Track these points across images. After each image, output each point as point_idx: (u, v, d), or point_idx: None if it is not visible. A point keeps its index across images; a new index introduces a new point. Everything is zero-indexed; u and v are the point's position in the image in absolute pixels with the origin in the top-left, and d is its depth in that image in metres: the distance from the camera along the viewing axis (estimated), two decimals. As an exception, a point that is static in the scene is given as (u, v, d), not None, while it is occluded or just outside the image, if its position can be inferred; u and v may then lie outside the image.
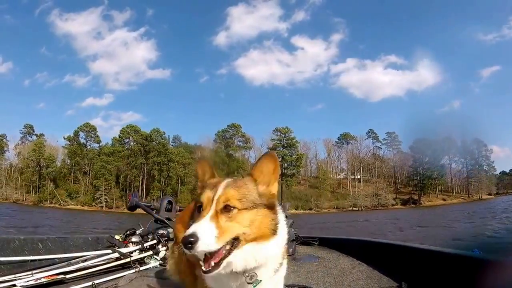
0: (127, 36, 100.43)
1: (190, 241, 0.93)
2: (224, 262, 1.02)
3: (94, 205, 66.14)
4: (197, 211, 1.06)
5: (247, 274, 1.06)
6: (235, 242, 1.02)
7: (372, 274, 1.94)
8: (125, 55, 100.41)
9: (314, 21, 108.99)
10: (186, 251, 0.96)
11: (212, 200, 1.03)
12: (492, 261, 1.23)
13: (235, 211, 1.02)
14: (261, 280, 1.07)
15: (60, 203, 66.24)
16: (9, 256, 1.91)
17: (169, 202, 3.10)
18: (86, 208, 64.65)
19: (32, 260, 1.98)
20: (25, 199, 69.11)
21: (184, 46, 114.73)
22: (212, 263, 1.00)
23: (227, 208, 1.02)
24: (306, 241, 3.25)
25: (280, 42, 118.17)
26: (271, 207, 1.09)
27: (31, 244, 2.18)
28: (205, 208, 1.03)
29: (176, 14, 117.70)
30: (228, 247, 1.01)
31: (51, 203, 67.05)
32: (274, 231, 1.06)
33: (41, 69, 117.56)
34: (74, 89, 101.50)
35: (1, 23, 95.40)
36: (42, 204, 65.94)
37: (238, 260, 1.03)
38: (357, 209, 66.69)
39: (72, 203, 66.71)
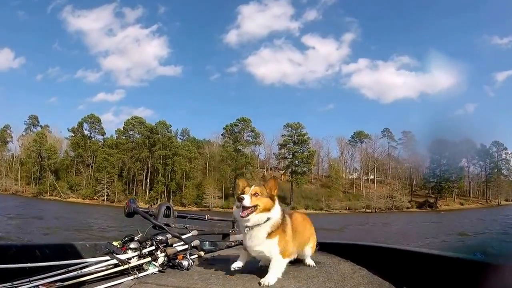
0: (139, 33, 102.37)
1: (241, 197, 2.06)
2: (249, 217, 2.08)
3: (96, 199, 64.93)
4: (239, 196, 2.11)
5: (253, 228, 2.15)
6: (254, 208, 2.08)
7: (373, 279, 2.02)
8: (136, 51, 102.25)
9: (326, 20, 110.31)
10: (238, 203, 2.08)
11: (249, 190, 2.13)
12: (494, 265, 1.26)
13: (258, 196, 2.11)
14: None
15: (61, 195, 65.07)
16: (6, 263, 1.92)
17: (167, 208, 3.18)
18: (87, 201, 63.51)
19: (29, 268, 2.00)
20: (25, 191, 68.11)
21: (196, 43, 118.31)
22: (245, 213, 2.07)
23: (255, 194, 2.10)
24: None
25: (291, 41, 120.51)
26: (272, 199, 2.15)
27: (28, 251, 2.24)
28: (246, 193, 2.10)
29: (188, 12, 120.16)
30: (252, 209, 2.08)
31: (52, 195, 66.09)
32: (269, 210, 2.13)
33: (53, 64, 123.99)
34: (86, 84, 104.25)
35: (15, 19, 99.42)
36: (42, 196, 65.10)
37: (253, 218, 2.10)
38: (370, 210, 64.62)
39: (73, 196, 65.63)
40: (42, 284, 1.90)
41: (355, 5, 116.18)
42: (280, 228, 2.17)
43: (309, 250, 2.53)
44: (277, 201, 2.18)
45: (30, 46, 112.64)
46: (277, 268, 2.12)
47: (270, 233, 2.14)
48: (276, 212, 2.15)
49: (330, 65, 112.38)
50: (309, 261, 2.54)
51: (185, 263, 2.48)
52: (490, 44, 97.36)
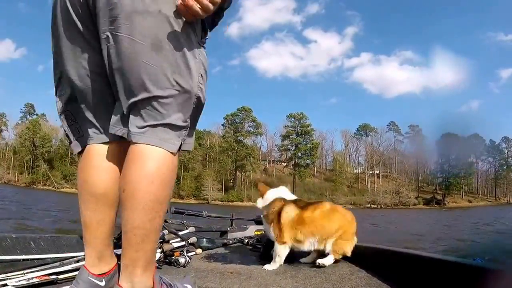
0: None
1: None
2: None
3: (90, 189, 65.18)
4: None
5: None
6: None
7: (371, 281, 1.98)
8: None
9: (327, 14, 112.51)
10: None
11: None
12: (495, 270, 1.27)
13: None
14: None
15: (54, 185, 65.48)
16: (0, 255, 1.93)
17: None
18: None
19: (24, 260, 2.00)
20: (18, 180, 68.59)
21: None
22: None
23: None
24: None
25: (293, 34, 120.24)
26: None
27: (23, 243, 2.24)
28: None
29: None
30: None
31: (45, 185, 66.49)
32: None
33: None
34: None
35: (16, 11, 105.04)
36: (35, 186, 65.54)
37: None
38: (375, 206, 64.85)
39: (67, 186, 65.91)
40: (36, 277, 1.88)
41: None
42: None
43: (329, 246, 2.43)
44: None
45: (31, 38, 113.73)
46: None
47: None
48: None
49: (333, 59, 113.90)
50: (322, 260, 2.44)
51: (182, 260, 2.47)
52: (495, 40, 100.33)
